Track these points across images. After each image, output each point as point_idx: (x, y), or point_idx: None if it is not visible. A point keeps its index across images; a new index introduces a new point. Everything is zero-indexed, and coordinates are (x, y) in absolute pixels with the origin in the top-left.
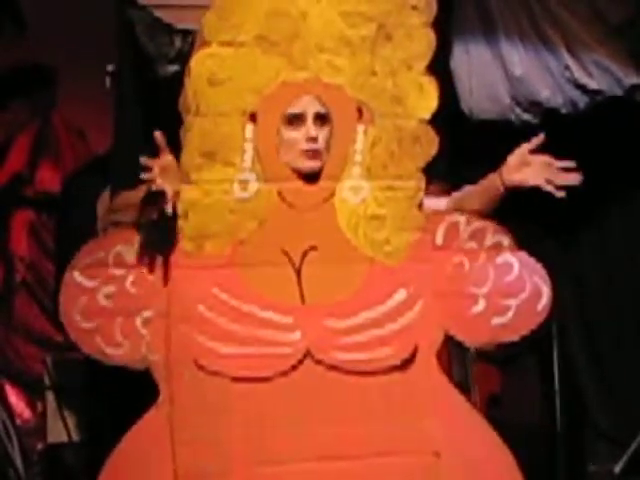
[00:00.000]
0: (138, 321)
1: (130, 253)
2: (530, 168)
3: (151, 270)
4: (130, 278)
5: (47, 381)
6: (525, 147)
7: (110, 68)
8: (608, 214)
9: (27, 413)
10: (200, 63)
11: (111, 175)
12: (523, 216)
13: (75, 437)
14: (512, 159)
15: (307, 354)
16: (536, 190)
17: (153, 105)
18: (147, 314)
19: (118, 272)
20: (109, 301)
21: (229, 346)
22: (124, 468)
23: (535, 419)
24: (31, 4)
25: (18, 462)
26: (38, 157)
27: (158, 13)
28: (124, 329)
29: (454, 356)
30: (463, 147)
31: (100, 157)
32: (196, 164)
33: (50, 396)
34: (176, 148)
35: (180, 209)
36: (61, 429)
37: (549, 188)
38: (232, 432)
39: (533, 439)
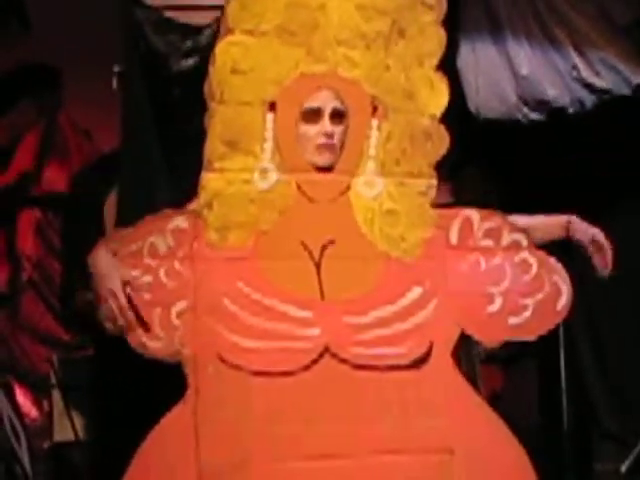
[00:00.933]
0: (173, 313)
1: (162, 244)
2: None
3: (180, 262)
4: (163, 269)
5: (53, 380)
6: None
7: (117, 69)
8: (613, 213)
9: (34, 412)
10: (224, 51)
11: (120, 177)
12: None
13: (82, 436)
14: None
15: (326, 350)
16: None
17: (166, 102)
18: (180, 306)
19: (152, 263)
20: (148, 292)
21: (250, 340)
22: (152, 460)
23: (533, 418)
24: (36, 4)
25: (25, 460)
26: (45, 157)
27: (165, 14)
28: (162, 321)
29: (462, 354)
30: (470, 146)
31: (106, 156)
32: (219, 153)
33: (56, 395)
34: (193, 141)
35: (204, 199)
36: (68, 428)
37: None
38: (252, 427)
39: (532, 438)
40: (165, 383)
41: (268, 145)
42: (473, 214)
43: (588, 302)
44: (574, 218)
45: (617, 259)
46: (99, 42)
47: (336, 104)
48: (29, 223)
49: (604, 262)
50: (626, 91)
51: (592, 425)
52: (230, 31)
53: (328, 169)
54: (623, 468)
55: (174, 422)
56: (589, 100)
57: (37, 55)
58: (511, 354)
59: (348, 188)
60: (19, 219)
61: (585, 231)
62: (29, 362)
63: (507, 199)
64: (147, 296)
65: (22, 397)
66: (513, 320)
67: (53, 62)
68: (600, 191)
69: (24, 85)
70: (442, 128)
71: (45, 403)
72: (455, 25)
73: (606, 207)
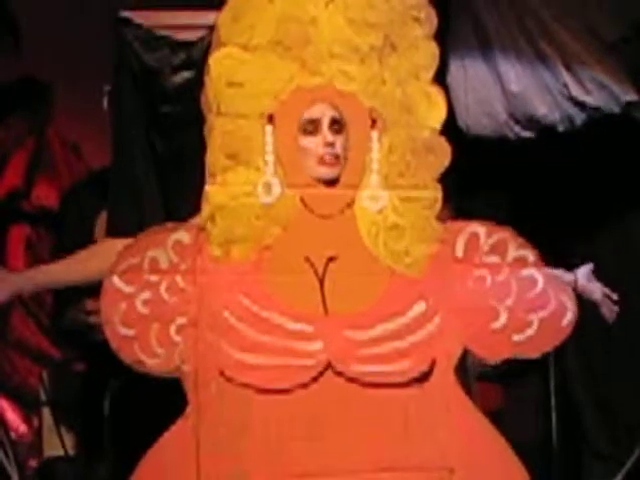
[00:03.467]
0: (172, 329)
1: (163, 258)
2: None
3: (182, 276)
4: (164, 284)
5: (43, 396)
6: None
7: (107, 88)
8: (603, 232)
9: (23, 428)
10: (218, 63)
11: (110, 195)
12: (519, 232)
13: (71, 452)
14: (585, 270)
15: (328, 366)
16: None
17: (159, 118)
18: (180, 321)
19: (153, 278)
20: (146, 308)
21: (252, 356)
22: (152, 477)
23: (533, 437)
24: (27, 19)
25: (15, 477)
26: (34, 173)
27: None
28: (160, 337)
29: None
30: (459, 163)
31: (97, 172)
32: (222, 165)
33: (46, 411)
34: (189, 157)
35: (207, 212)
36: (57, 444)
37: (605, 312)
38: (253, 444)
39: (530, 457)
40: (155, 399)
41: (270, 159)
42: (479, 229)
43: (578, 320)
44: (580, 279)
45: (607, 277)
46: (89, 56)
47: (334, 114)
48: (19, 239)
49: (611, 312)
50: (616, 109)
51: (581, 444)
52: (222, 44)
53: (332, 182)
54: None
55: (175, 439)
56: (579, 118)
57: (27, 70)
58: (510, 373)
59: (352, 202)
60: (9, 235)
61: (596, 290)
62: (19, 378)
63: (497, 217)
64: (145, 311)
65: (11, 413)
66: (517, 337)
67: (43, 76)
68: (590, 209)
69: (14, 100)
70: (444, 140)
71: (35, 419)
72: (444, 42)
73: (596, 225)
